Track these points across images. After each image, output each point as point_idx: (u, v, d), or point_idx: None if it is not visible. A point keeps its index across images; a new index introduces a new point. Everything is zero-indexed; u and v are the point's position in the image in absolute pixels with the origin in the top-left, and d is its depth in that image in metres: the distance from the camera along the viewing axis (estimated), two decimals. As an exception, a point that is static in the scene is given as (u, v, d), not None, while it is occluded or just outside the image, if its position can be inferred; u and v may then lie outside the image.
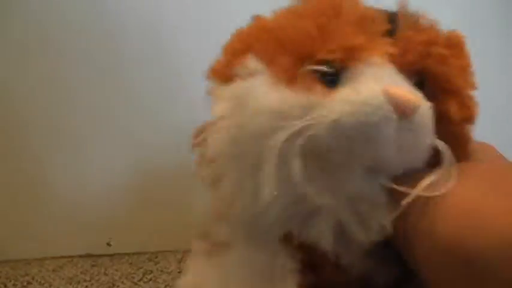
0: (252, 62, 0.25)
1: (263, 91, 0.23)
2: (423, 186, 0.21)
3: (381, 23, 0.24)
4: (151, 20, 0.71)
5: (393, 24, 0.25)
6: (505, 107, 0.80)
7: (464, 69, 0.26)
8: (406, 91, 0.22)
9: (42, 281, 0.64)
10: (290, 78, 0.23)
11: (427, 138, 0.23)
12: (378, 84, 0.22)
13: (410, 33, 0.24)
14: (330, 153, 0.22)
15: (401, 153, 0.22)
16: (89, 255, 0.72)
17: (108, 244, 0.72)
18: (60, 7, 0.69)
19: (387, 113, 0.21)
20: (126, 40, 0.70)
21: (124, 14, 0.71)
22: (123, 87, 0.71)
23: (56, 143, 0.71)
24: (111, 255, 0.71)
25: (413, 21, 0.25)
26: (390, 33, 0.25)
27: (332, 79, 0.23)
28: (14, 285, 0.62)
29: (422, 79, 0.25)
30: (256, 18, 0.28)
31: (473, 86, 0.26)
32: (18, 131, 0.70)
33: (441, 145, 0.23)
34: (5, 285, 0.62)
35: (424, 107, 0.23)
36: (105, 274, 0.65)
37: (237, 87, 0.25)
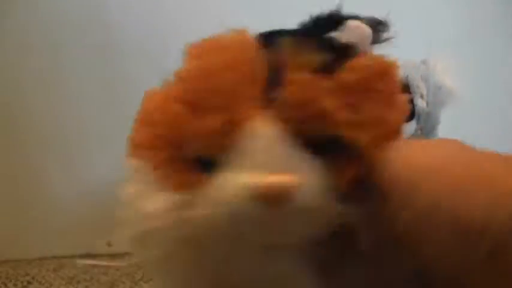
0: (134, 160, 0.23)
1: (136, 196, 0.22)
2: None
3: (258, 78, 0.20)
4: (152, 19, 0.71)
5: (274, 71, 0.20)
6: (506, 107, 0.80)
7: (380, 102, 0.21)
8: (276, 178, 0.18)
9: (43, 281, 0.63)
10: (166, 173, 0.21)
11: (311, 221, 0.20)
12: (249, 171, 0.19)
13: (294, 83, 0.19)
14: (215, 244, 0.21)
15: (284, 235, 0.20)
16: (89, 255, 0.72)
17: (108, 244, 0.72)
18: (61, 6, 0.69)
19: (251, 210, 0.19)
20: (127, 40, 0.70)
21: (124, 14, 0.71)
22: (123, 86, 0.71)
23: (56, 143, 0.71)
24: (111, 255, 0.71)
25: (302, 63, 0.20)
26: (272, 81, 0.20)
27: (210, 162, 0.20)
28: (14, 285, 0.62)
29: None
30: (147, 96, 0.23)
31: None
32: (18, 131, 0.70)
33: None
34: (6, 285, 0.62)
35: (307, 187, 0.19)
36: (105, 274, 0.65)
37: (126, 191, 0.24)
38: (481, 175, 0.17)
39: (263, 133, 0.19)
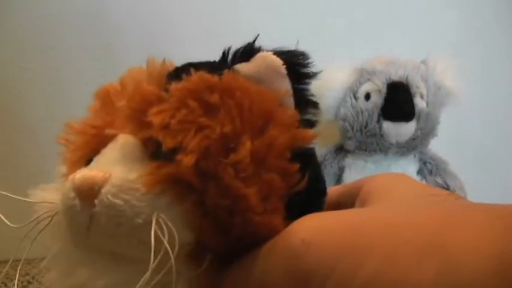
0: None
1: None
2: None
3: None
4: (153, 20, 0.71)
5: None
6: (508, 107, 0.80)
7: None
8: (87, 172, 0.20)
9: (43, 281, 0.64)
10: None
11: (134, 219, 0.20)
12: (88, 168, 0.21)
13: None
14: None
15: (103, 238, 0.20)
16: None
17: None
18: (61, 7, 0.69)
19: (69, 201, 0.20)
20: (128, 40, 0.71)
21: (125, 15, 0.71)
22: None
23: (55, 145, 0.71)
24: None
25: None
26: None
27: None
28: (14, 284, 0.62)
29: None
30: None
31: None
32: (18, 131, 0.70)
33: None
34: (6, 285, 0.62)
35: (114, 184, 0.20)
36: (106, 274, 0.65)
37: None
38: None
39: (116, 142, 0.22)
